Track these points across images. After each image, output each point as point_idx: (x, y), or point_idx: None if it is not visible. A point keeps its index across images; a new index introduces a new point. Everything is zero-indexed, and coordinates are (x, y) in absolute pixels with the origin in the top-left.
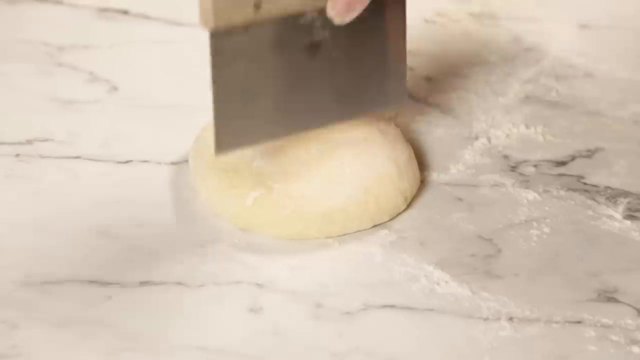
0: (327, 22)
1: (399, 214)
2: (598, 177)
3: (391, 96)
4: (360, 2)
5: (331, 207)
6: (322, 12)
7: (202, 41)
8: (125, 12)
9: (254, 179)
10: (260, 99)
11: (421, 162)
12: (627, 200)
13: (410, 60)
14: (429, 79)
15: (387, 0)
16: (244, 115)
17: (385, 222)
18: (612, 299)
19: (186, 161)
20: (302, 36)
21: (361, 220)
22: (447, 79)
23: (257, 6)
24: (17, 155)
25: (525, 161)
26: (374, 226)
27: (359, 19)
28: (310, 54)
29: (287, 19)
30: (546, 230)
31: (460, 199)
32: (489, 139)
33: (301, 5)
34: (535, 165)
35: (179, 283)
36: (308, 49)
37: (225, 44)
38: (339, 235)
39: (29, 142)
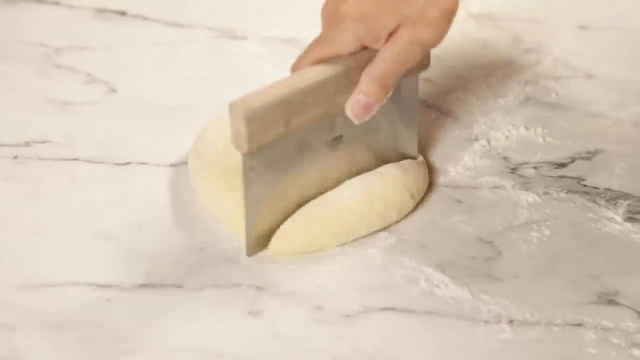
0: (347, 118)
1: (408, 214)
2: (598, 179)
3: (404, 153)
4: (377, 103)
5: (337, 210)
6: (343, 111)
7: (200, 42)
8: (123, 13)
9: None
10: (287, 199)
11: None
12: (627, 202)
13: None
14: (428, 81)
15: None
16: (272, 217)
17: (391, 225)
18: (612, 302)
19: (185, 163)
20: (325, 134)
21: (369, 222)
22: (446, 80)
23: (287, 123)
24: (15, 157)
25: (525, 163)
26: (379, 230)
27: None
28: (332, 147)
29: (314, 125)
30: (546, 232)
31: (459, 201)
32: (488, 141)
33: (326, 111)
34: (535, 167)
35: (179, 286)
36: (330, 143)
37: (256, 161)
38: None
39: (27, 144)
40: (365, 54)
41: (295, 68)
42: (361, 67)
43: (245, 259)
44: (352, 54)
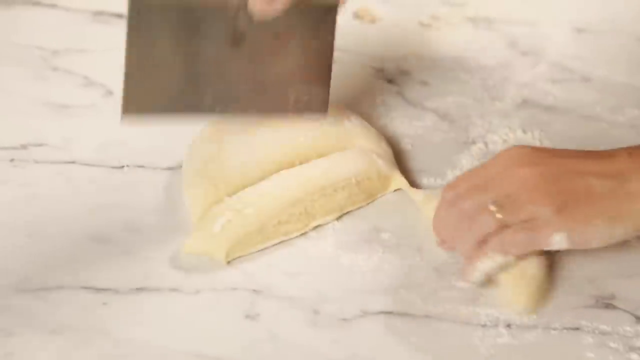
0: (250, 18)
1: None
2: None
3: (312, 104)
4: (281, 2)
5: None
6: (246, 6)
7: None
8: (120, 16)
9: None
10: (173, 74)
11: (418, 167)
12: None
13: (405, 65)
14: (424, 83)
15: (319, 10)
16: (155, 84)
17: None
18: (610, 306)
19: (181, 166)
20: (226, 27)
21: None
22: (443, 83)
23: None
24: (12, 160)
25: None
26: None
27: (287, 22)
28: (233, 45)
29: (212, 11)
30: None
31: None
32: (485, 144)
33: None
34: None
35: (175, 289)
36: (231, 39)
37: (143, 17)
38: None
39: (24, 147)
40: None
41: None
42: None
43: (241, 264)
44: None
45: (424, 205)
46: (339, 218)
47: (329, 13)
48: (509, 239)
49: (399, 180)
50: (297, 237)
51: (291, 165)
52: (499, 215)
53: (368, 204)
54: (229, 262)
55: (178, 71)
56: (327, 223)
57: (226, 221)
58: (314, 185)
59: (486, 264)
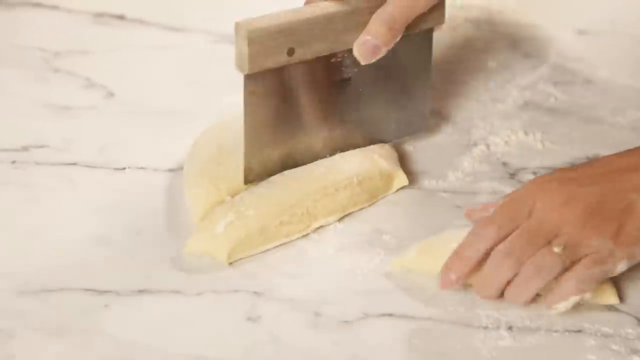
0: (356, 61)
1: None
2: None
3: (414, 122)
4: (385, 46)
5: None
6: (351, 51)
7: (199, 47)
8: (121, 18)
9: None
10: (288, 132)
11: (419, 168)
12: None
13: None
14: None
15: (415, 35)
16: (271, 147)
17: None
18: (612, 308)
19: (182, 168)
20: (332, 74)
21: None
22: (445, 85)
23: (291, 53)
24: (13, 162)
25: (524, 168)
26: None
27: (388, 54)
28: (339, 88)
29: (319, 59)
30: None
31: (459, 207)
32: (487, 146)
33: (332, 47)
34: (534, 173)
35: (177, 291)
36: (338, 84)
37: (258, 85)
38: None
39: (25, 148)
40: None
41: (308, 1)
42: (371, 9)
43: (243, 266)
44: None
45: (416, 264)
46: (340, 219)
47: (426, 36)
48: (583, 276)
49: (402, 179)
50: (298, 238)
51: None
52: (563, 257)
53: (370, 205)
54: (230, 264)
55: (290, 127)
56: (329, 224)
57: (228, 222)
58: (316, 185)
59: (565, 304)
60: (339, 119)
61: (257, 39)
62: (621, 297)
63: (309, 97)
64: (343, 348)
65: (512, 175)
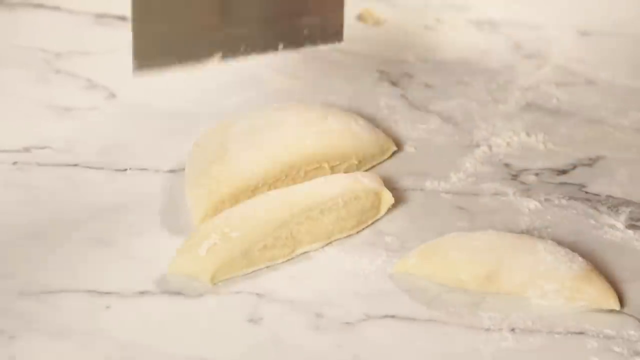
0: None
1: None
2: (599, 186)
3: (326, 33)
4: None
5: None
6: None
7: None
8: (122, 18)
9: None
10: (180, 21)
11: (421, 170)
12: (629, 209)
13: (409, 67)
14: (428, 86)
15: None
16: (162, 34)
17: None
18: (614, 310)
19: (184, 169)
20: None
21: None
22: (447, 86)
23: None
24: (15, 163)
25: (526, 169)
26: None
27: None
28: None
29: None
30: (548, 239)
31: (461, 208)
32: (489, 147)
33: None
34: (536, 174)
35: (178, 293)
36: None
37: None
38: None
39: (27, 149)
40: None
41: None
42: None
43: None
44: None
45: (418, 270)
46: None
47: None
48: None
49: (387, 198)
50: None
51: (296, 166)
52: None
53: (358, 232)
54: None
55: (185, 18)
56: (314, 250)
57: (212, 244)
58: (299, 207)
59: None
60: (240, 17)
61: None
62: (623, 301)
63: None
64: (345, 349)
65: (515, 177)
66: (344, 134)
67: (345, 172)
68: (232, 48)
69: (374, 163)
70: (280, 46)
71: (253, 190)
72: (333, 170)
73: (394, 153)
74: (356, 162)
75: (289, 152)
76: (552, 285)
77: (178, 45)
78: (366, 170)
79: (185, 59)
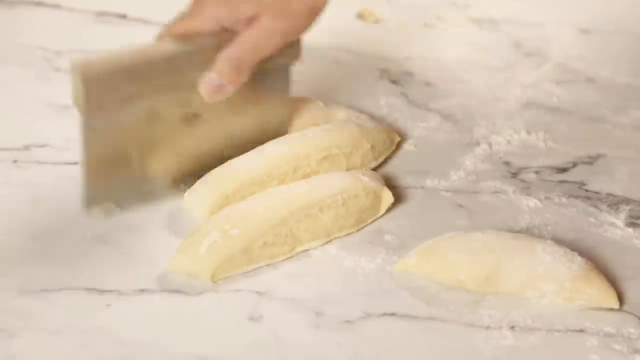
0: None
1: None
2: (599, 184)
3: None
4: (231, 84)
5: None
6: (194, 86)
7: None
8: (123, 17)
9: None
10: (130, 164)
11: (421, 168)
12: (629, 207)
13: (410, 66)
14: (428, 84)
15: (272, 72)
16: (114, 176)
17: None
18: (614, 308)
19: None
20: (178, 109)
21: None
22: (447, 84)
23: (130, 89)
24: (15, 161)
25: (526, 167)
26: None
27: (241, 91)
28: (188, 123)
29: (164, 97)
30: (547, 237)
31: (460, 206)
32: (489, 145)
33: (173, 84)
34: (536, 172)
35: (179, 291)
36: (185, 120)
37: (97, 123)
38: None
39: (26, 147)
40: (225, 35)
41: (156, 38)
42: (219, 48)
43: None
44: (213, 34)
45: (418, 269)
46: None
47: (283, 71)
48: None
49: (387, 197)
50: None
51: (297, 163)
52: None
53: (358, 230)
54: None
55: (136, 160)
56: (315, 248)
57: (212, 242)
58: (299, 204)
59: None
60: (189, 156)
61: (94, 80)
62: (623, 299)
63: (150, 132)
64: (345, 347)
65: (514, 175)
66: (349, 123)
67: (362, 159)
68: (185, 184)
69: (385, 152)
70: None
71: (259, 185)
72: (348, 158)
73: (393, 151)
74: (369, 147)
75: (291, 149)
76: (551, 286)
77: (131, 185)
78: (379, 162)
79: (140, 197)
